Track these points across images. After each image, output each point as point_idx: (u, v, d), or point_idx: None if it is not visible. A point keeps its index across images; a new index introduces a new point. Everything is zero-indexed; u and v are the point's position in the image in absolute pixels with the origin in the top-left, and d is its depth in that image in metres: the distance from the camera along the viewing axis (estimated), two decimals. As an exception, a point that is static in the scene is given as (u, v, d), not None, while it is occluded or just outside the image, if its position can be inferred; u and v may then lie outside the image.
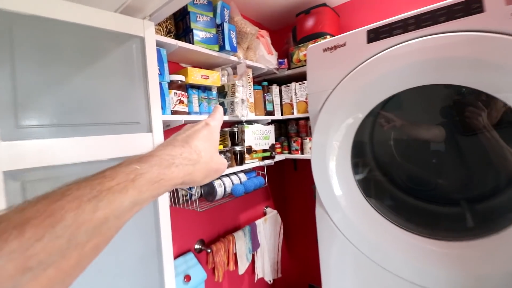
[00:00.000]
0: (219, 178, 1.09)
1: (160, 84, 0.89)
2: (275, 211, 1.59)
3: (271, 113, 1.43)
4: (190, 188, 1.06)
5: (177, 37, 1.04)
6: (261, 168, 1.30)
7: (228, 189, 1.10)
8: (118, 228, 0.18)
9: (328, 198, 0.83)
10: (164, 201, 0.72)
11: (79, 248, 0.16)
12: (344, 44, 0.78)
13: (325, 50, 0.81)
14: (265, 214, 1.61)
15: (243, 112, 1.13)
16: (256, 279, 1.43)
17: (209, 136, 0.28)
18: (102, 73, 0.64)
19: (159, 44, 0.89)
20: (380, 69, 0.69)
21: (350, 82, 0.75)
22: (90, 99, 0.62)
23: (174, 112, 0.95)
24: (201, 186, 1.09)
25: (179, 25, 1.06)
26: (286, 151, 1.51)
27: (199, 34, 1.02)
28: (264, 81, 1.46)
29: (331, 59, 0.80)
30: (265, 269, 1.46)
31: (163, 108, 0.90)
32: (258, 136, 1.26)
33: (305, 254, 1.73)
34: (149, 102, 0.70)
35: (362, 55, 0.73)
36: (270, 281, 1.49)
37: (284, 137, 1.55)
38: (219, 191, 1.07)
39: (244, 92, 1.15)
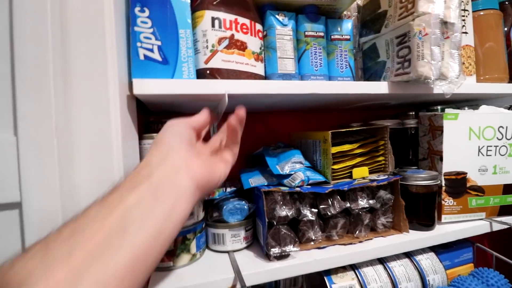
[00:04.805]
0: (354, 269, 0.37)
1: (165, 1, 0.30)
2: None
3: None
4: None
5: None
6: (492, 238, 0.42)
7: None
8: None
9: None
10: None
11: None
12: None
13: None
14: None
15: (450, 69, 0.33)
16: None
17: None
18: None
19: None
20: None
21: None
22: None
23: (210, 73, 0.33)
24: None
25: None
26: None
27: None
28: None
29: None
30: None
31: (173, 64, 0.31)
32: (486, 146, 0.40)
33: None
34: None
35: None
36: None
37: None
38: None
39: (455, 8, 0.34)
